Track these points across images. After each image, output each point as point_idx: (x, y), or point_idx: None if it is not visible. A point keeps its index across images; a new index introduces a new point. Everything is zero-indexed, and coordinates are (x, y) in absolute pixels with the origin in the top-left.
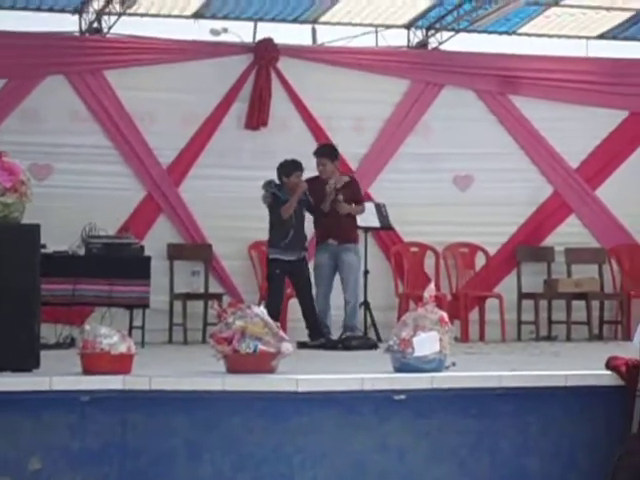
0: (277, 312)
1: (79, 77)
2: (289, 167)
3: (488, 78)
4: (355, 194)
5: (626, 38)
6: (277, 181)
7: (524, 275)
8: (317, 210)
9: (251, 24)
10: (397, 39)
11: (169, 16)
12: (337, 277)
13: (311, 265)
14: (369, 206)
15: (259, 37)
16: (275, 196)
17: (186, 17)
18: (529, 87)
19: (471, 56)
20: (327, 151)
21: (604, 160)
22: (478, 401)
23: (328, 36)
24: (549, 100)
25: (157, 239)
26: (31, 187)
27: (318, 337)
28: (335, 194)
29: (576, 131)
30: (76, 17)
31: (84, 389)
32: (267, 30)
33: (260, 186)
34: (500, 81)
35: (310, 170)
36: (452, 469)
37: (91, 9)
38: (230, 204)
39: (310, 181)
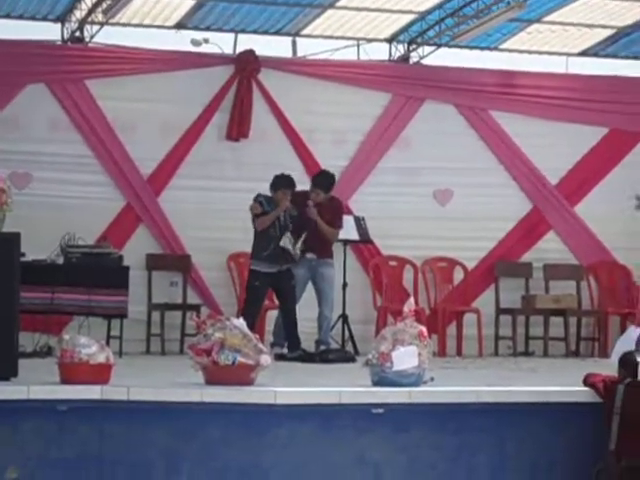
0: (252, 323)
1: (60, 86)
2: (279, 182)
3: (469, 93)
4: (334, 215)
5: (607, 55)
6: (269, 193)
7: (502, 290)
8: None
9: (232, 35)
10: (379, 53)
11: (151, 26)
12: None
13: None
14: (348, 219)
15: (240, 49)
16: (262, 207)
17: (168, 27)
18: (510, 103)
19: (452, 71)
20: (325, 183)
21: (583, 177)
22: (456, 416)
23: (310, 49)
24: (529, 116)
25: (136, 249)
26: (12, 196)
27: (296, 349)
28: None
29: (556, 147)
30: (58, 26)
31: (62, 398)
32: (248, 42)
33: (240, 197)
34: (481, 96)
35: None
36: None
37: (74, 18)
38: (210, 215)
39: (298, 194)
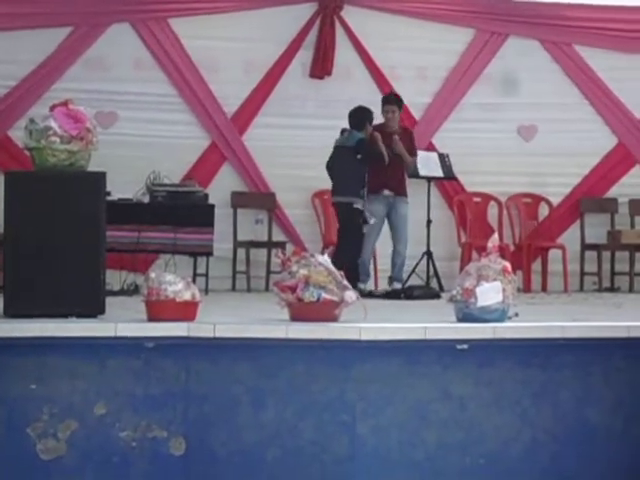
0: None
1: (144, 25)
2: (369, 115)
3: (554, 28)
4: (410, 144)
5: None
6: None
7: (587, 226)
8: (377, 156)
9: None
10: None
11: None
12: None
13: None
14: (432, 156)
15: None
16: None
17: None
18: (594, 37)
19: (537, 5)
20: (397, 99)
21: None
22: (540, 351)
23: None
24: (614, 50)
25: (221, 187)
26: (97, 135)
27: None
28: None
29: None
30: None
31: (149, 336)
32: None
33: (323, 135)
34: (566, 31)
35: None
36: (513, 419)
37: None
38: (294, 153)
39: (374, 128)
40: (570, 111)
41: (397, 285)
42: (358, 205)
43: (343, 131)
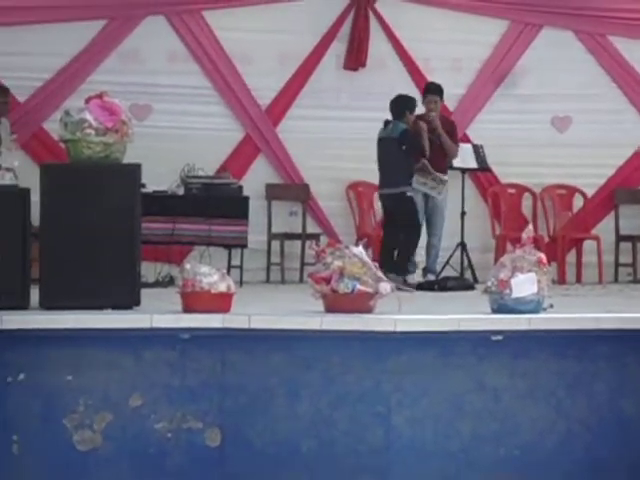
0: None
1: (178, 17)
2: (412, 104)
3: (588, 19)
4: (452, 134)
5: None
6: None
7: (622, 217)
8: (419, 149)
9: None
10: None
11: None
12: None
13: None
14: (466, 147)
15: None
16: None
17: None
18: (628, 27)
19: None
20: (439, 89)
21: None
22: (575, 343)
23: None
24: None
25: (255, 179)
26: (132, 127)
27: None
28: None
29: None
30: None
31: (184, 327)
32: None
33: (357, 126)
34: (600, 22)
35: None
36: (548, 410)
37: None
38: (328, 144)
39: (419, 118)
40: (604, 102)
41: (431, 277)
42: (411, 193)
43: (387, 123)
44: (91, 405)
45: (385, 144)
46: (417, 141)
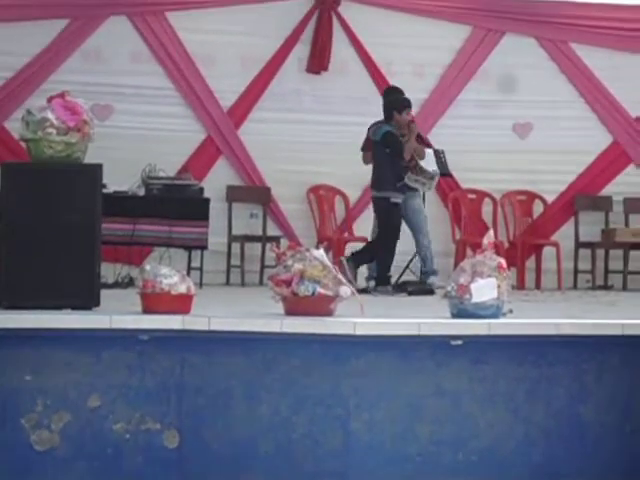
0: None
1: (141, 18)
2: (406, 101)
3: (550, 25)
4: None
5: None
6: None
7: (582, 224)
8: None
9: None
10: None
11: None
12: None
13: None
14: (428, 152)
15: None
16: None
17: None
18: (590, 35)
19: (533, 3)
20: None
21: None
22: (535, 348)
23: None
24: (610, 48)
25: (216, 181)
26: (94, 127)
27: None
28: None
29: (636, 80)
30: None
31: (144, 328)
32: None
33: (319, 130)
34: (562, 29)
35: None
36: (507, 415)
37: None
38: (290, 147)
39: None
40: (565, 109)
41: (433, 278)
42: (396, 199)
43: (373, 124)
44: (49, 405)
45: (373, 146)
46: (399, 143)
